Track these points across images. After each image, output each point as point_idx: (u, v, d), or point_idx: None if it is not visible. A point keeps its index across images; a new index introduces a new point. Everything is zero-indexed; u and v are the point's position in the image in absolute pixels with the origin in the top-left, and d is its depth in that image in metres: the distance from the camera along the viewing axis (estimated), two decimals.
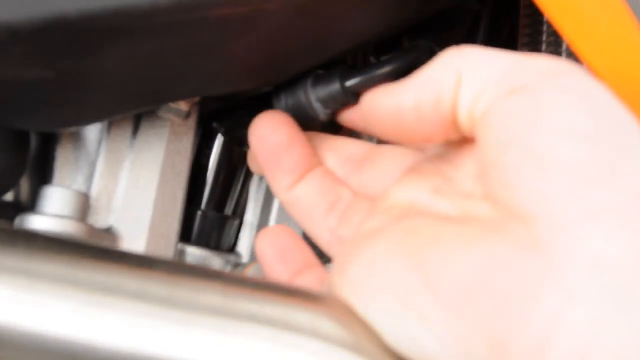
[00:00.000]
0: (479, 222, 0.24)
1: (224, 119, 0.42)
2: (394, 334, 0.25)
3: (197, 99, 0.40)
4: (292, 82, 0.38)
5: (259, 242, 0.34)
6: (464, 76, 0.26)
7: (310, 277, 0.33)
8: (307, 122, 0.37)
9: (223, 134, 0.43)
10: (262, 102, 0.39)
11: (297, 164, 0.35)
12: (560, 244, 0.21)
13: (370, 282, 0.26)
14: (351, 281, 0.27)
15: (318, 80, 0.37)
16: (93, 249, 0.27)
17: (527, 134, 0.23)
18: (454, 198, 0.28)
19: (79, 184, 0.38)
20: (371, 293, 0.26)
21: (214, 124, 0.42)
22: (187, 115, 0.39)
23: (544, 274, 0.21)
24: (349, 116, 0.37)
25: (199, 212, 0.43)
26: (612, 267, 0.20)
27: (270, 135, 0.35)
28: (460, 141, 0.29)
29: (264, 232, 0.34)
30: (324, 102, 0.36)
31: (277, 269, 0.33)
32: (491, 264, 0.22)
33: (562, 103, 0.23)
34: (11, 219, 0.36)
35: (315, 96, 0.36)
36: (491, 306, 0.21)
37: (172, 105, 0.38)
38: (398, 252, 0.25)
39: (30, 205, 0.38)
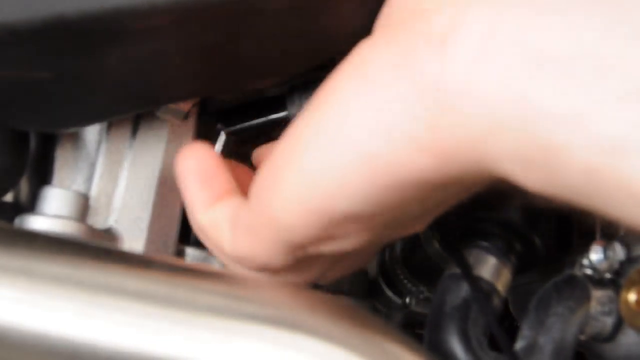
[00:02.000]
0: None
1: (231, 120, 0.42)
2: None
3: (196, 100, 0.40)
4: (306, 85, 0.38)
5: (180, 162, 0.32)
6: None
7: (229, 204, 0.31)
8: None
9: (228, 135, 0.43)
10: (275, 104, 0.39)
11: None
12: None
13: None
14: None
15: None
16: (93, 249, 0.27)
17: None
18: None
19: (79, 184, 0.38)
20: None
21: (218, 125, 0.42)
22: (187, 116, 0.40)
23: None
24: None
25: None
26: None
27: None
28: None
29: (187, 152, 0.33)
30: None
31: (198, 195, 0.32)
32: None
33: None
34: (11, 219, 0.36)
35: None
36: None
37: (171, 106, 0.38)
38: None
39: (30, 206, 0.38)
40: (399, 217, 0.27)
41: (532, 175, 0.21)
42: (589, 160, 0.19)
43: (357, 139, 0.24)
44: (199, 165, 0.32)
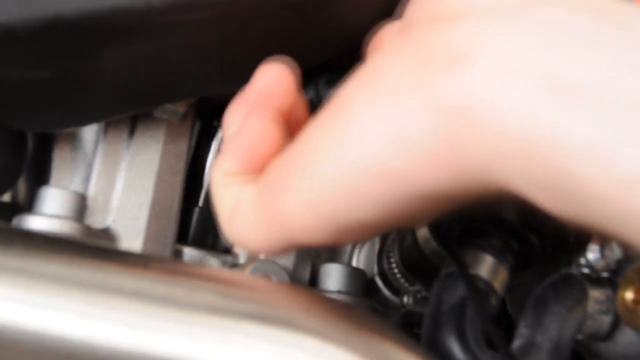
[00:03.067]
0: None
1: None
2: None
3: (193, 100, 0.40)
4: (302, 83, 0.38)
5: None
6: None
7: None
8: None
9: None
10: None
11: None
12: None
13: None
14: None
15: (329, 84, 0.37)
16: (91, 249, 0.27)
17: None
18: None
19: (76, 184, 0.38)
20: None
21: (215, 122, 0.42)
22: (184, 116, 0.40)
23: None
24: None
25: (197, 209, 0.43)
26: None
27: None
28: None
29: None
30: None
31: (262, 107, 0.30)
32: None
33: None
34: (9, 219, 0.36)
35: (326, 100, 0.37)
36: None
37: (169, 106, 0.38)
38: None
39: (28, 205, 0.38)
40: (405, 222, 0.27)
41: (548, 199, 0.21)
42: (606, 191, 0.19)
43: (371, 151, 0.24)
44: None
